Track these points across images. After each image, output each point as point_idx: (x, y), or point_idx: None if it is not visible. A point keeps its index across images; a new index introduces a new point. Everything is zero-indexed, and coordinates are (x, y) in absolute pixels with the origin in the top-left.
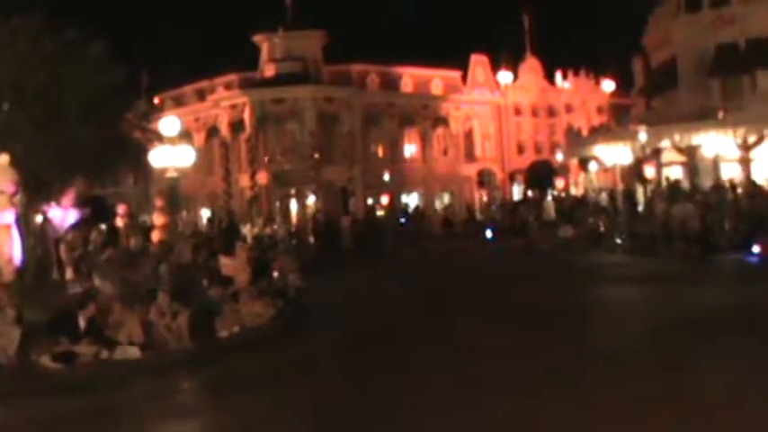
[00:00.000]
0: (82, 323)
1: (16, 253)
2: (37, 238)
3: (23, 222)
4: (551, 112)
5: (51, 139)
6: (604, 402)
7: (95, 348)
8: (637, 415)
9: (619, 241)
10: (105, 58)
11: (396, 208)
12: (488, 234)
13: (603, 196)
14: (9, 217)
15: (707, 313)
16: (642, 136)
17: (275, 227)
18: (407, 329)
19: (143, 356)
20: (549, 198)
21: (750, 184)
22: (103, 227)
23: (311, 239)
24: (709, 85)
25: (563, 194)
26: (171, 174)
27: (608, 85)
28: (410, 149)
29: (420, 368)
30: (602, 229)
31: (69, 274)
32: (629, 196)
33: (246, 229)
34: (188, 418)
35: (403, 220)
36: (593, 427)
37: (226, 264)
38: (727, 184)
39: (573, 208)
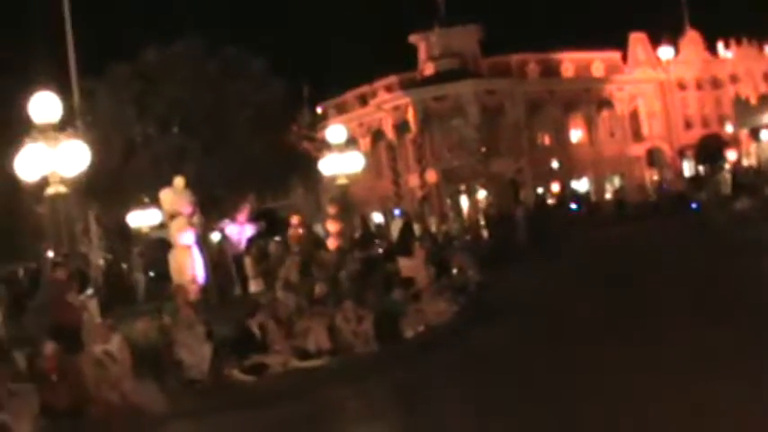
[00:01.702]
0: (256, 332)
1: (199, 272)
2: (217, 255)
3: (202, 241)
4: (716, 84)
5: (221, 158)
6: None
7: (284, 358)
8: None
9: None
10: (266, 73)
11: (566, 195)
12: (694, 206)
13: None
14: (189, 238)
15: None
16: None
17: (449, 224)
18: (591, 322)
19: (331, 363)
20: (725, 173)
21: None
22: (278, 239)
23: (485, 234)
24: None
25: (737, 167)
26: (341, 180)
27: None
28: (576, 135)
29: (616, 369)
30: None
31: (254, 287)
32: None
33: (418, 229)
34: (381, 420)
35: (574, 206)
36: None
37: (405, 265)
38: None
39: (748, 180)
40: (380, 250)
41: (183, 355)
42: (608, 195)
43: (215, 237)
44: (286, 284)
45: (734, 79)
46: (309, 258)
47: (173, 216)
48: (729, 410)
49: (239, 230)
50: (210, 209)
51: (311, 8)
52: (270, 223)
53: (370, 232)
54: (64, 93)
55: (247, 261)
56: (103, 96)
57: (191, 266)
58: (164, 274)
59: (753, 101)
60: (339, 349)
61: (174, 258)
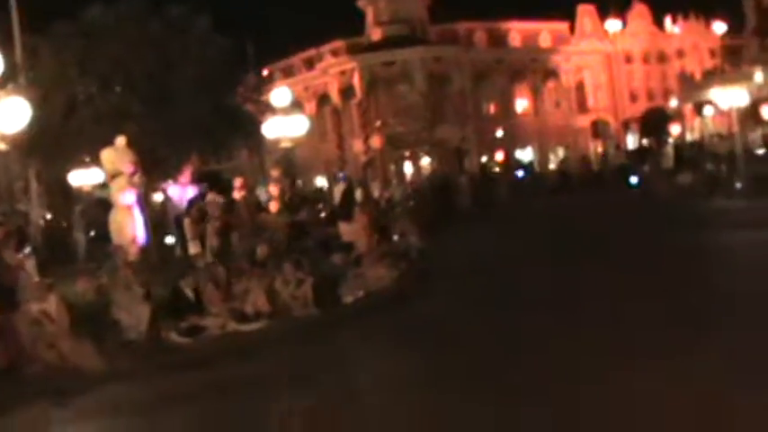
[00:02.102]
0: (189, 294)
1: (139, 232)
2: (158, 216)
3: (144, 201)
4: (662, 58)
5: (164, 118)
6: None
7: (221, 320)
8: None
9: (738, 186)
10: (210, 32)
11: (511, 163)
12: (634, 180)
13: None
14: (130, 197)
15: None
16: (758, 76)
17: (392, 189)
18: (531, 287)
19: (270, 325)
20: (668, 147)
21: None
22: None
23: (428, 200)
24: None
25: (680, 141)
26: (285, 144)
27: (719, 27)
28: (522, 104)
29: (543, 334)
30: (721, 174)
31: (193, 248)
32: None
33: (359, 194)
34: (318, 384)
35: (521, 173)
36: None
37: (345, 230)
38: None
39: (691, 154)
40: (322, 214)
41: (120, 315)
42: (552, 166)
43: (157, 197)
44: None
45: (680, 54)
46: (251, 222)
47: (114, 175)
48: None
49: (181, 191)
50: (153, 169)
51: None
52: (213, 185)
53: (300, 195)
54: (6, 49)
55: (186, 222)
56: (46, 54)
57: (131, 227)
58: (104, 234)
59: (697, 76)
60: (278, 312)
61: (115, 218)
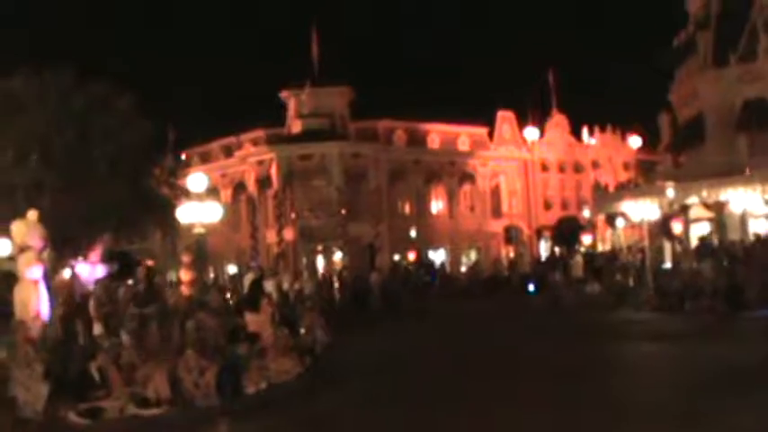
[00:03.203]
0: (95, 375)
1: (43, 309)
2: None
3: (50, 278)
4: (578, 169)
5: (79, 195)
6: None
7: (121, 403)
8: None
9: (645, 298)
10: (133, 112)
11: (422, 264)
12: (530, 288)
13: (630, 253)
14: (37, 272)
15: (729, 371)
16: (670, 192)
17: (302, 283)
18: (432, 388)
19: (170, 412)
20: (578, 256)
21: None
22: (130, 282)
23: (338, 296)
24: (737, 140)
25: (591, 251)
26: (198, 230)
27: (634, 142)
28: (437, 205)
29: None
30: (629, 285)
31: (97, 329)
32: (657, 253)
33: (271, 285)
34: None
35: (431, 277)
36: None
37: (251, 320)
38: (756, 240)
39: (601, 264)
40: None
41: (18, 392)
42: (463, 268)
43: (66, 274)
44: (131, 330)
45: (595, 165)
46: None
47: (22, 249)
48: None
49: (90, 270)
50: (63, 245)
51: (188, 54)
52: (123, 266)
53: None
54: None
55: (92, 302)
56: None
57: (35, 302)
58: (7, 308)
59: (611, 188)
60: (179, 399)
61: (19, 292)
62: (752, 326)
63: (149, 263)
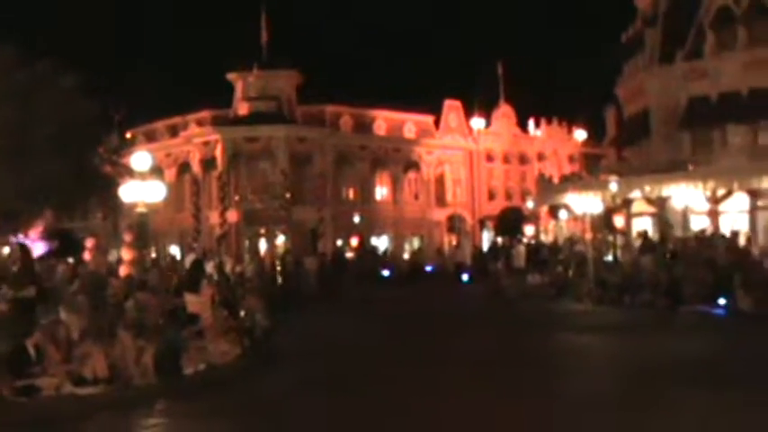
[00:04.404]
0: (32, 352)
1: None
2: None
3: None
4: (523, 160)
5: (20, 171)
6: None
7: (58, 382)
8: None
9: (586, 290)
10: (77, 91)
11: (364, 250)
12: (465, 277)
13: (572, 244)
14: None
15: (665, 364)
16: (613, 186)
17: (244, 265)
18: (368, 372)
19: (107, 391)
20: (521, 246)
21: (729, 237)
22: (71, 260)
23: (279, 279)
24: (681, 137)
25: (533, 242)
26: (141, 209)
27: (580, 135)
28: (381, 192)
29: (378, 411)
30: (570, 277)
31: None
32: (599, 246)
33: (211, 267)
34: None
35: (386, 273)
36: None
37: (191, 301)
38: (697, 236)
39: (545, 256)
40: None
41: None
42: (406, 255)
43: (5, 250)
44: (70, 307)
45: (540, 157)
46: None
47: None
48: None
49: (30, 246)
50: (3, 222)
51: (135, 32)
52: (65, 244)
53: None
54: None
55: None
56: None
57: None
58: None
59: (555, 180)
60: (117, 379)
61: None
62: (688, 320)
63: (91, 241)
